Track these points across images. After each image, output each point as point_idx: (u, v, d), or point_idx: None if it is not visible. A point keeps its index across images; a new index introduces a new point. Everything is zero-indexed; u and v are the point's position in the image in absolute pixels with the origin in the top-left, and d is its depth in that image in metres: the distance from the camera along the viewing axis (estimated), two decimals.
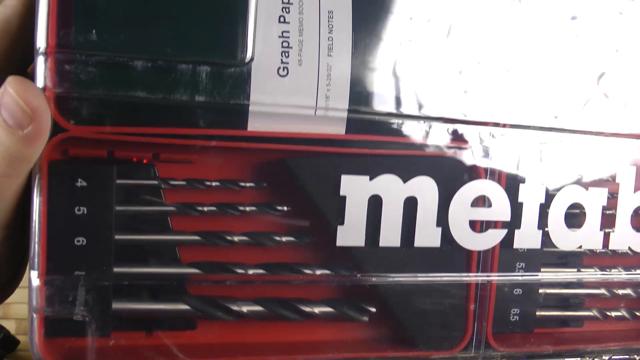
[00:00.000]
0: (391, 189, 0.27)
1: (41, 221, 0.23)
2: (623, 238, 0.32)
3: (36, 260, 0.24)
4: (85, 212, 0.24)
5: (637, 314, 0.33)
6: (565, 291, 0.31)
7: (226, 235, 0.26)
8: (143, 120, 0.25)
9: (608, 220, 0.31)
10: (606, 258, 0.32)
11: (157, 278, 0.25)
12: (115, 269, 0.25)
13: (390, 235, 0.27)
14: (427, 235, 0.28)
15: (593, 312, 0.32)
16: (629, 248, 0.32)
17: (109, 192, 0.24)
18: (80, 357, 0.24)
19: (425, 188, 0.28)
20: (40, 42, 0.23)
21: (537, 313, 0.31)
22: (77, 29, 0.23)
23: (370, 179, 0.27)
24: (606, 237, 0.31)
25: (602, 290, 0.32)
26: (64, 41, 0.23)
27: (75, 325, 0.24)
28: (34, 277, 0.24)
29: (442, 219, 0.28)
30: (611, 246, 0.31)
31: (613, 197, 0.31)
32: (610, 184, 0.31)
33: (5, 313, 0.79)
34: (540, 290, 0.31)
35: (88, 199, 0.24)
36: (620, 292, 0.32)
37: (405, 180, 0.27)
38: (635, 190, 0.32)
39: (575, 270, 0.31)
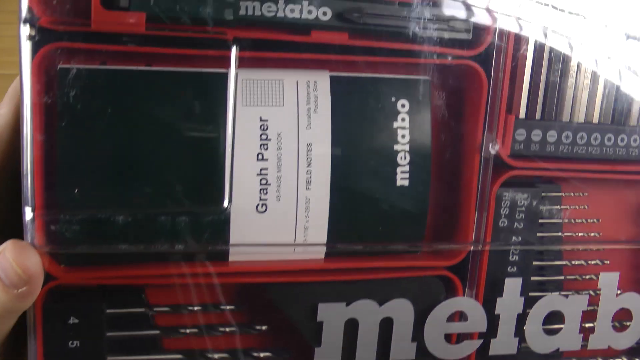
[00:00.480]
0: (367, 312, 0.28)
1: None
2: (602, 339, 0.32)
3: None
4: (78, 345, 0.26)
5: None
6: None
7: (207, 353, 0.28)
8: (129, 261, 0.26)
9: (588, 321, 0.32)
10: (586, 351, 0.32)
11: None
12: None
13: (366, 354, 0.29)
14: (402, 350, 0.29)
15: None
16: (609, 347, 0.32)
17: (100, 325, 0.26)
18: None
19: (401, 309, 0.29)
20: (27, 204, 0.24)
21: None
22: (60, 191, 0.24)
23: (347, 304, 0.28)
24: (585, 338, 0.32)
25: None
26: (49, 203, 0.24)
27: None
28: None
29: (418, 335, 0.29)
30: (590, 346, 0.32)
31: (595, 294, 0.32)
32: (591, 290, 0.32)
33: None
34: None
35: (81, 333, 0.26)
36: None
37: (381, 304, 0.28)
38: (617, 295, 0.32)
39: None
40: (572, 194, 0.31)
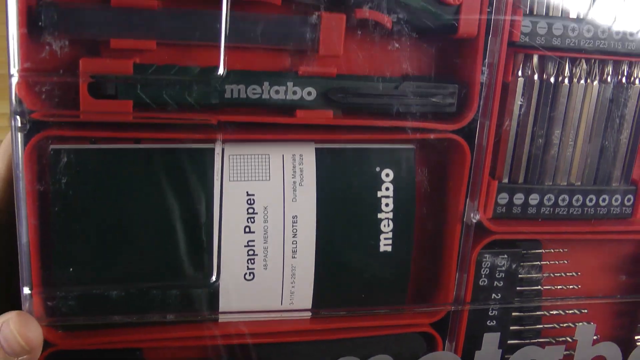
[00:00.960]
0: None
1: None
2: None
3: None
4: None
5: None
6: None
7: None
8: (124, 326, 0.27)
9: None
10: None
11: None
12: None
13: None
14: None
15: None
16: None
17: None
18: None
19: None
20: (25, 284, 0.25)
21: None
22: (56, 270, 0.25)
23: None
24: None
25: None
26: (46, 280, 0.25)
27: None
28: None
29: None
30: None
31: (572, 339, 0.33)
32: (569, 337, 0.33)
33: None
34: None
35: None
36: None
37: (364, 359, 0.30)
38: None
39: None
40: (552, 250, 0.32)
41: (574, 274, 0.32)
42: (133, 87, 0.24)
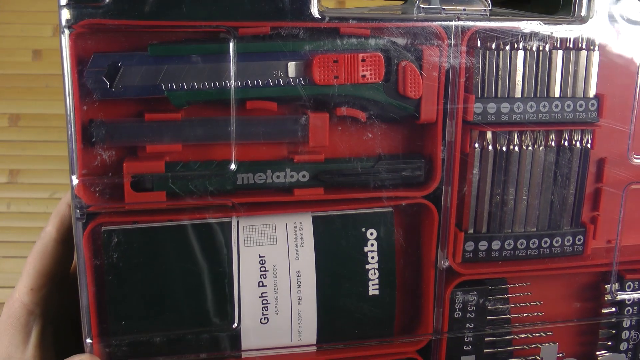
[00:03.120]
0: None
1: None
2: None
3: None
4: None
5: None
6: None
7: None
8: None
9: None
10: None
11: None
12: None
13: None
14: None
15: None
16: None
17: None
18: None
19: None
20: (87, 336, 0.31)
21: None
22: (111, 324, 0.31)
23: None
24: None
25: None
26: (103, 333, 0.31)
27: None
28: None
29: None
30: None
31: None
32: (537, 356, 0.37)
33: None
34: None
35: None
36: None
37: None
38: None
39: None
40: (517, 285, 0.37)
41: (537, 302, 0.37)
42: (165, 181, 0.30)
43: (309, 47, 0.30)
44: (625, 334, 0.39)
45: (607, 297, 0.38)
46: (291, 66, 0.30)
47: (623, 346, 0.39)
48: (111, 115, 0.29)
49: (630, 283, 0.38)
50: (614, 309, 0.38)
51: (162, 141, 0.30)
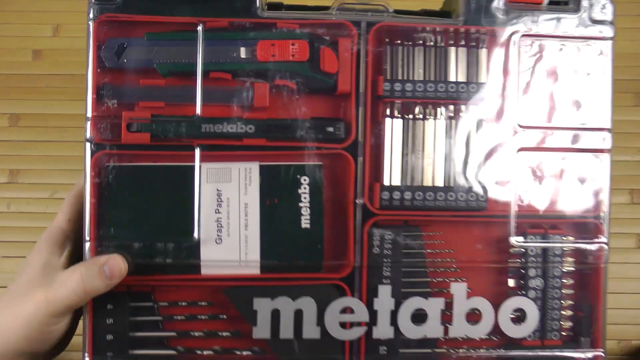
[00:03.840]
0: (286, 304, 0.43)
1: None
2: (459, 330, 0.44)
3: None
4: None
5: None
6: None
7: (190, 332, 0.43)
8: (142, 272, 0.43)
9: (447, 318, 0.44)
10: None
11: None
12: None
13: (286, 332, 0.43)
14: (310, 331, 0.43)
15: None
16: (466, 335, 0.44)
17: (126, 312, 0.43)
18: None
19: (308, 304, 0.43)
20: (85, 240, 0.42)
21: None
22: (103, 229, 0.42)
23: (272, 299, 0.43)
24: (445, 329, 0.44)
25: None
26: (97, 237, 0.42)
27: None
28: None
29: (320, 322, 0.43)
30: (450, 335, 0.44)
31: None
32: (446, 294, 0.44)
33: None
34: None
35: (115, 321, 0.43)
36: None
37: (294, 300, 0.43)
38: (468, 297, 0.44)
39: (430, 350, 0.45)
40: (431, 233, 0.45)
41: (450, 250, 0.45)
42: (150, 126, 0.42)
43: (255, 35, 0.43)
44: (531, 282, 0.45)
45: (513, 249, 0.45)
46: (242, 49, 0.43)
47: (532, 294, 0.45)
48: (117, 80, 0.43)
49: (532, 237, 0.45)
50: (519, 260, 0.45)
51: (151, 99, 0.43)
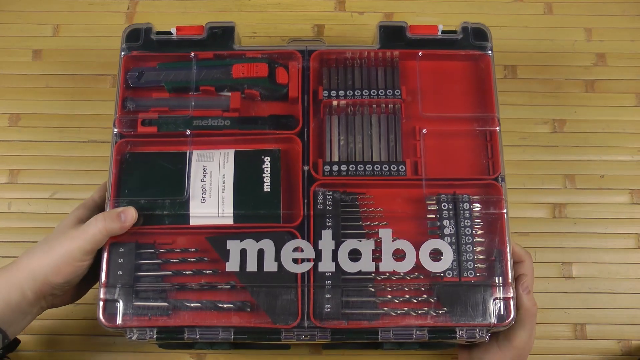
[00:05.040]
0: (251, 245, 0.56)
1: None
2: (388, 266, 0.56)
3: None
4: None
5: (405, 308, 0.55)
6: (361, 299, 0.56)
7: (182, 271, 0.56)
8: (148, 223, 0.57)
9: (377, 256, 0.56)
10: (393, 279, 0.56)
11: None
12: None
13: (251, 266, 0.55)
14: (270, 265, 0.55)
15: (384, 309, 0.55)
16: (394, 270, 0.56)
17: (132, 259, 0.57)
18: None
19: (268, 245, 0.56)
20: (107, 197, 0.58)
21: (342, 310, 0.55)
22: (120, 192, 0.58)
23: (240, 241, 0.56)
24: (377, 266, 0.56)
25: (388, 296, 0.56)
26: (115, 195, 0.58)
27: None
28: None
29: (277, 258, 0.56)
30: (380, 269, 0.56)
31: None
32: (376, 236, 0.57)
33: None
34: (343, 299, 0.55)
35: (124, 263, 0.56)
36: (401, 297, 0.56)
37: (257, 241, 0.56)
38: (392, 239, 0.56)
39: (369, 285, 0.56)
40: (362, 195, 0.58)
41: (380, 209, 0.58)
42: (157, 122, 0.60)
43: (230, 61, 0.61)
44: (445, 230, 0.57)
45: (428, 205, 0.58)
46: (221, 71, 0.61)
47: (447, 239, 0.57)
48: (136, 94, 0.61)
49: (444, 195, 0.58)
50: (434, 214, 0.58)
51: (159, 106, 0.61)
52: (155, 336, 0.55)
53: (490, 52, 0.62)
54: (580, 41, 0.79)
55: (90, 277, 0.58)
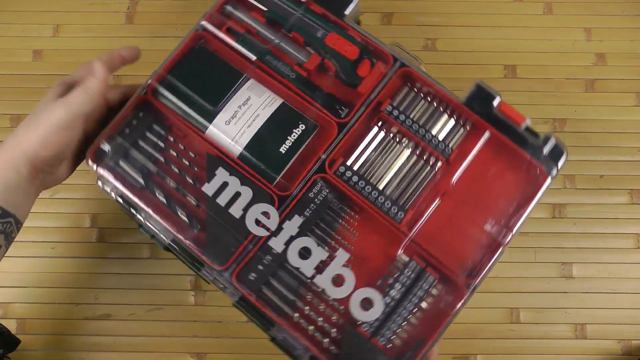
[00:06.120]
0: (234, 183, 0.58)
1: None
2: (323, 281, 0.56)
3: None
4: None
5: (311, 327, 0.56)
6: (283, 291, 0.57)
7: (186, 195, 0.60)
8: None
9: (320, 268, 0.57)
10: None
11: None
12: None
13: (222, 200, 0.58)
14: (236, 211, 0.57)
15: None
16: (324, 289, 0.56)
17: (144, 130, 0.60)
18: None
19: (247, 192, 0.58)
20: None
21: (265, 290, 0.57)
22: None
23: (229, 174, 0.58)
24: (314, 275, 0.56)
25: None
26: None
27: None
28: None
29: (246, 209, 0.58)
30: (314, 281, 0.56)
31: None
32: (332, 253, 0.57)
33: (6, 312, 0.73)
34: (269, 279, 0.57)
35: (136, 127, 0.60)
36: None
37: (241, 184, 0.58)
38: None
39: (298, 285, 0.57)
40: (353, 212, 0.58)
41: (357, 233, 0.58)
42: (239, 35, 0.62)
43: (331, 27, 0.62)
44: (392, 291, 0.57)
45: (396, 259, 0.57)
46: (319, 31, 0.62)
47: (387, 299, 0.56)
48: (239, 4, 0.63)
49: (413, 262, 0.57)
50: (395, 269, 0.57)
51: (249, 25, 0.62)
52: (116, 199, 0.60)
53: (553, 174, 0.59)
54: (580, 41, 0.80)
55: (80, 153, 0.59)
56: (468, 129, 0.60)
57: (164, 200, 0.59)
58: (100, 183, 0.60)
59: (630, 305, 0.71)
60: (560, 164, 0.59)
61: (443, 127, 0.60)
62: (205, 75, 0.62)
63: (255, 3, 0.63)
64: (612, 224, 0.74)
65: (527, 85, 0.79)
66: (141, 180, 0.59)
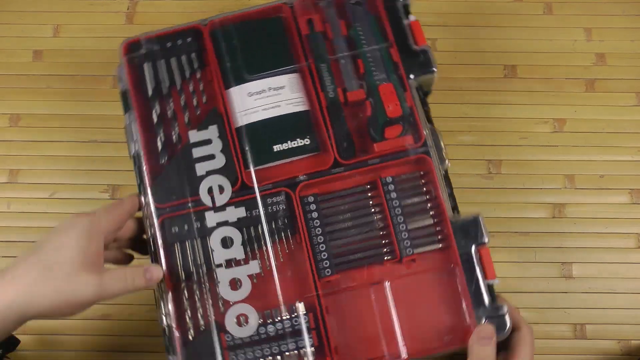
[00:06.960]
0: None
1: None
2: (222, 275, 0.53)
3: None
4: None
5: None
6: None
7: None
8: None
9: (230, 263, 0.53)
10: None
11: None
12: None
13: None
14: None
15: None
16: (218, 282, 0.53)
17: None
18: None
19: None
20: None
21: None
22: None
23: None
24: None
25: None
26: None
27: None
28: None
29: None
30: (215, 271, 0.53)
31: None
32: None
33: None
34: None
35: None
36: None
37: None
38: None
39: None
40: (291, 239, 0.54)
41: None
42: None
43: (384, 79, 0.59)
44: (271, 327, 0.53)
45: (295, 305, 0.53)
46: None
47: (271, 328, 0.53)
48: None
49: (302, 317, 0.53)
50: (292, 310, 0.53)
51: None
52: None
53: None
54: (580, 41, 0.79)
55: None
56: (440, 247, 0.55)
57: (155, 118, 0.58)
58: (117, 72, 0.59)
59: (630, 305, 0.71)
60: None
61: (421, 229, 0.55)
62: (263, 43, 0.60)
63: (350, 15, 0.61)
64: (612, 223, 0.73)
65: (527, 85, 0.78)
66: (150, 90, 0.59)
